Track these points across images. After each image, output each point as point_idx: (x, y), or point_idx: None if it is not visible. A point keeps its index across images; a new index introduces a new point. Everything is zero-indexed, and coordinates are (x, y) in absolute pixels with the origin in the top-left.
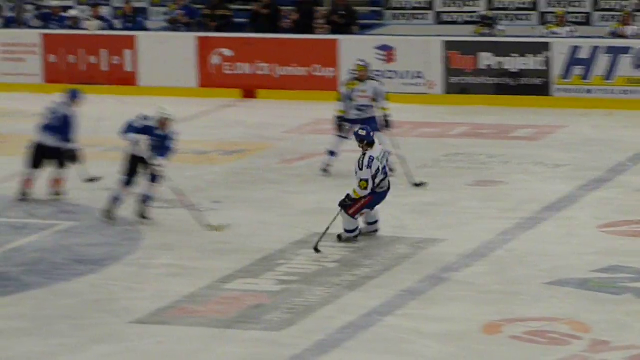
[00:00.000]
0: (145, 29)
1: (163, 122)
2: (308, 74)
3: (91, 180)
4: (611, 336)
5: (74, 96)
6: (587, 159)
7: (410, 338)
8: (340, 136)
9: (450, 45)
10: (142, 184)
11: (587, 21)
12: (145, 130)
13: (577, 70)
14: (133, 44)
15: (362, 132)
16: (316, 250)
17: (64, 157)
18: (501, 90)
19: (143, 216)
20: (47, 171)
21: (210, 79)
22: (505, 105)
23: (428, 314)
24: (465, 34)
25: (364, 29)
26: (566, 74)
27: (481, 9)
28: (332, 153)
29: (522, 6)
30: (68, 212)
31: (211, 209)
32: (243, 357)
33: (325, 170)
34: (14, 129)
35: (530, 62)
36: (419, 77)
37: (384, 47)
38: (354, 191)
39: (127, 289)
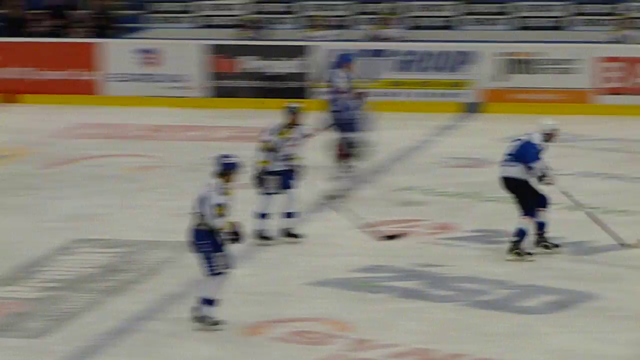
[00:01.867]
0: None
1: (554, 134)
2: (67, 78)
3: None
4: (372, 335)
5: (341, 60)
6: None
7: (172, 342)
8: (266, 193)
9: (212, 49)
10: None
11: (346, 24)
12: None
13: None
14: None
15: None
16: None
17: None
18: (262, 93)
19: (547, 246)
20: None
21: None
22: (267, 108)
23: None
24: (228, 37)
25: (126, 32)
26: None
27: (244, 12)
28: (262, 215)
29: (282, 10)
30: None
31: None
32: None
33: (265, 237)
34: None
35: (290, 66)
36: (181, 80)
37: (145, 51)
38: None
39: None
